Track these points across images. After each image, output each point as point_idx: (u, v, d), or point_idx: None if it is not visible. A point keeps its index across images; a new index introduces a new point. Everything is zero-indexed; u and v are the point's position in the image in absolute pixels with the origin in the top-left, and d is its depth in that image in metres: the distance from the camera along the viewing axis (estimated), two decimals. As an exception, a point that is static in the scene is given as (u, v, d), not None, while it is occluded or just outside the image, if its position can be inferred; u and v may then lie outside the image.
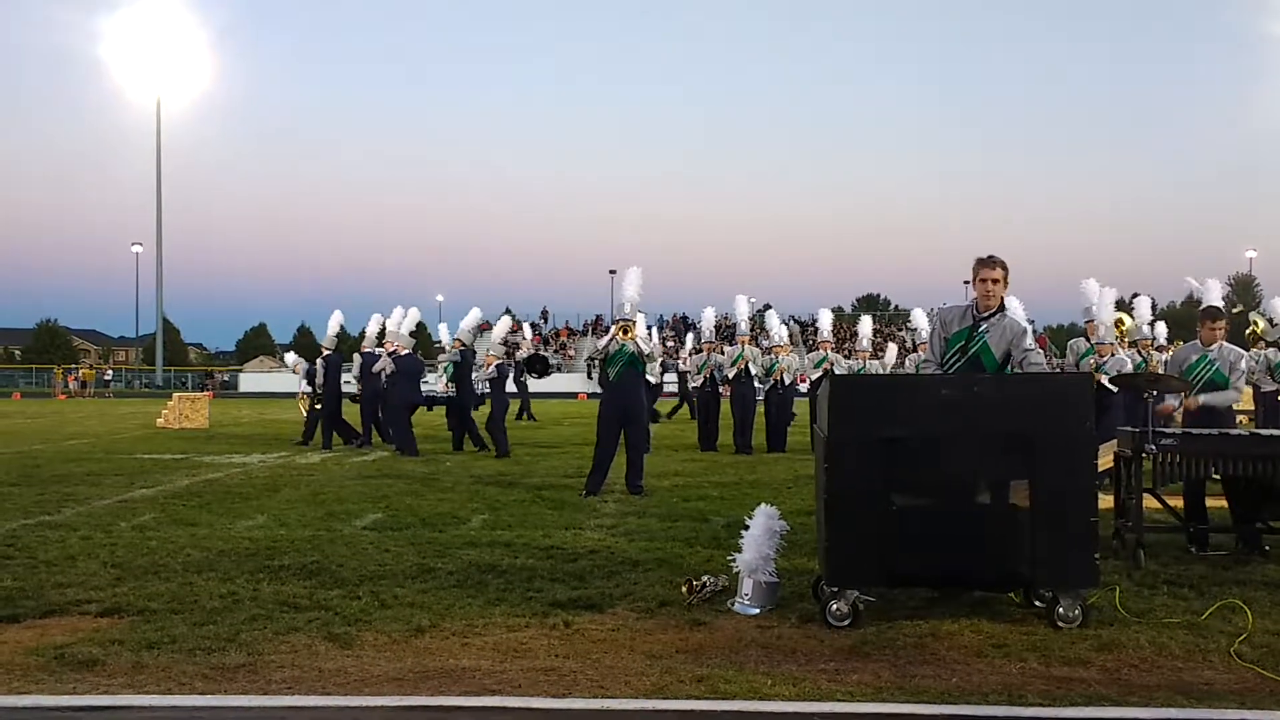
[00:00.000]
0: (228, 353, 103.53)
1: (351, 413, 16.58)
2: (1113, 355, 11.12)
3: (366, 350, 16.45)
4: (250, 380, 59.50)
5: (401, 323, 15.95)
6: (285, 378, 39.85)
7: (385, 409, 15.48)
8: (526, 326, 31.07)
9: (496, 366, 14.57)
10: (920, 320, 17.23)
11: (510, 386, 16.44)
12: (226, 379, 65.04)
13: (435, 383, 17.69)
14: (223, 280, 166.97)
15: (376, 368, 15.18)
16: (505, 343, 16.05)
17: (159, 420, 21.74)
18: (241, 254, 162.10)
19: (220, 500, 9.42)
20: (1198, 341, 7.46)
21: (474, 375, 15.14)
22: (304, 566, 6.25)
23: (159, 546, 6.94)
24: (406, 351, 14.87)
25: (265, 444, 16.60)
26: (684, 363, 20.18)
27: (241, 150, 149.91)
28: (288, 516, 8.39)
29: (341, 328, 16.99)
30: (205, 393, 31.99)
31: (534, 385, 21.46)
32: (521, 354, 18.28)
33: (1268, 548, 6.74)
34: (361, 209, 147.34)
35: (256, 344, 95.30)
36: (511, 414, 18.13)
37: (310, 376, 16.59)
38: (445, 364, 16.23)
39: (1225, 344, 7.41)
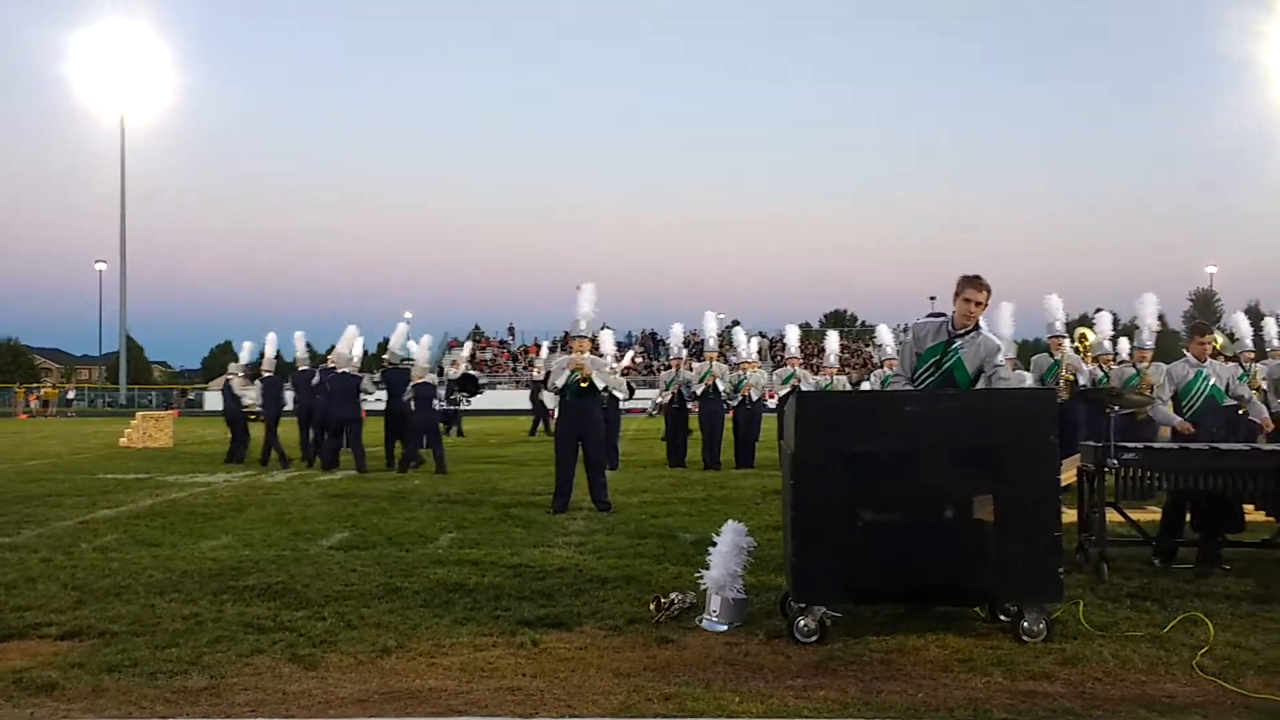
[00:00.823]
0: (193, 371, 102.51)
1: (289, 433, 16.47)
2: (1013, 371, 11.21)
3: (302, 369, 16.64)
4: (216, 399, 58.71)
5: (353, 343, 15.97)
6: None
7: (325, 426, 15.50)
8: (467, 345, 30.89)
9: (414, 386, 14.57)
10: (885, 336, 17.33)
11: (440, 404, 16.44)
12: (192, 397, 64.36)
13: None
14: (187, 298, 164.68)
15: (315, 381, 15.34)
16: (437, 360, 16.09)
17: (122, 439, 21.47)
18: (206, 272, 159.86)
19: (184, 520, 9.31)
20: (1190, 356, 7.59)
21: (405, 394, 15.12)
22: (269, 587, 6.19)
23: (121, 568, 6.84)
24: (345, 369, 14.89)
25: (230, 463, 16.42)
26: (536, 372, 20.11)
27: (206, 167, 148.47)
28: (252, 536, 8.31)
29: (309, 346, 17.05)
30: (170, 411, 31.57)
31: (500, 402, 21.41)
32: (454, 373, 18.19)
33: (1228, 565, 6.82)
34: (329, 225, 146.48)
35: (222, 362, 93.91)
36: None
37: (235, 397, 16.70)
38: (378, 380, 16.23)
39: (1214, 361, 7.58)
